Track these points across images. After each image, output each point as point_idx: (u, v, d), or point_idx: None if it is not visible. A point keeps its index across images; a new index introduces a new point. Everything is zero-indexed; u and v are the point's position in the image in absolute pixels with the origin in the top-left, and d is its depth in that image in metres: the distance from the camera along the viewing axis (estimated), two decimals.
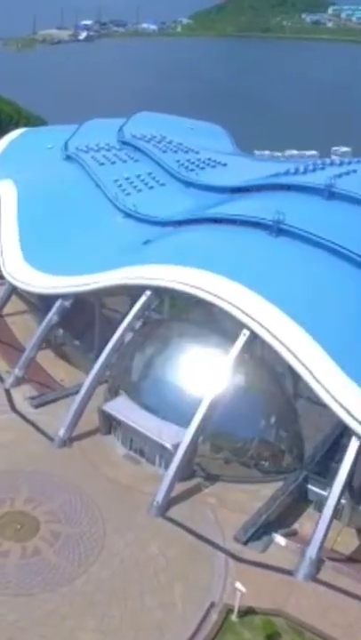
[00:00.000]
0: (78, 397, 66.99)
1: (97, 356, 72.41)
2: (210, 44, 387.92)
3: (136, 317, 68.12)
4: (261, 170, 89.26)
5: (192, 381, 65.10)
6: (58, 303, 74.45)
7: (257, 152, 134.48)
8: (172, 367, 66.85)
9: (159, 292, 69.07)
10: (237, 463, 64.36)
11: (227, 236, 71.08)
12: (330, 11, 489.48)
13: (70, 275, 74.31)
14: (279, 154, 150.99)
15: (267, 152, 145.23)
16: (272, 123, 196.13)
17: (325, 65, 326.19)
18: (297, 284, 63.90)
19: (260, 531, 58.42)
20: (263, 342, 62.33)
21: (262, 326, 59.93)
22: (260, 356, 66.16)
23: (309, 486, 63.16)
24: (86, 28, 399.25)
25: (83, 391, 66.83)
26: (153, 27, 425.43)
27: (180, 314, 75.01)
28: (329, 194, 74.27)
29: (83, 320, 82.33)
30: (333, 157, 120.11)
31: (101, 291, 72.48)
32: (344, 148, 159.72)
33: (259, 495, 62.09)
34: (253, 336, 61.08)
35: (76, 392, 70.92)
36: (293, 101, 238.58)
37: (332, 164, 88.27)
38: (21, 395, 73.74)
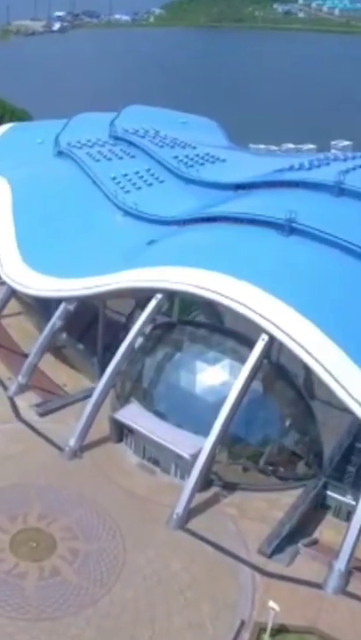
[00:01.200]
0: (89, 406, 64.20)
1: (100, 360, 69.97)
2: (184, 35, 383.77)
3: (147, 321, 65.42)
4: (263, 165, 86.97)
5: (207, 387, 63.00)
6: (62, 307, 71.52)
7: (252, 146, 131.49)
8: (185, 372, 64.40)
9: (170, 294, 66.60)
10: (256, 471, 62.28)
11: (237, 236, 68.62)
12: (300, 1, 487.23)
13: (74, 277, 71.35)
14: (275, 148, 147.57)
15: (262, 146, 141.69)
16: (258, 115, 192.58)
17: (303, 55, 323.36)
18: (314, 285, 61.78)
19: (285, 542, 56.52)
20: (280, 346, 60.54)
21: (282, 331, 57.71)
22: (276, 359, 64.26)
23: (329, 492, 61.32)
24: (59, 19, 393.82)
25: (94, 399, 64.05)
26: (126, 17, 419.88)
27: (190, 316, 72.64)
28: (339, 190, 72.28)
29: (84, 322, 79.60)
30: (334, 152, 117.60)
31: (110, 294, 69.63)
32: (345, 142, 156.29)
33: (279, 504, 60.19)
34: (272, 340, 58.96)
35: (82, 398, 68.77)
36: (277, 93, 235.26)
37: (336, 159, 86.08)
38: (26, 402, 70.95)
